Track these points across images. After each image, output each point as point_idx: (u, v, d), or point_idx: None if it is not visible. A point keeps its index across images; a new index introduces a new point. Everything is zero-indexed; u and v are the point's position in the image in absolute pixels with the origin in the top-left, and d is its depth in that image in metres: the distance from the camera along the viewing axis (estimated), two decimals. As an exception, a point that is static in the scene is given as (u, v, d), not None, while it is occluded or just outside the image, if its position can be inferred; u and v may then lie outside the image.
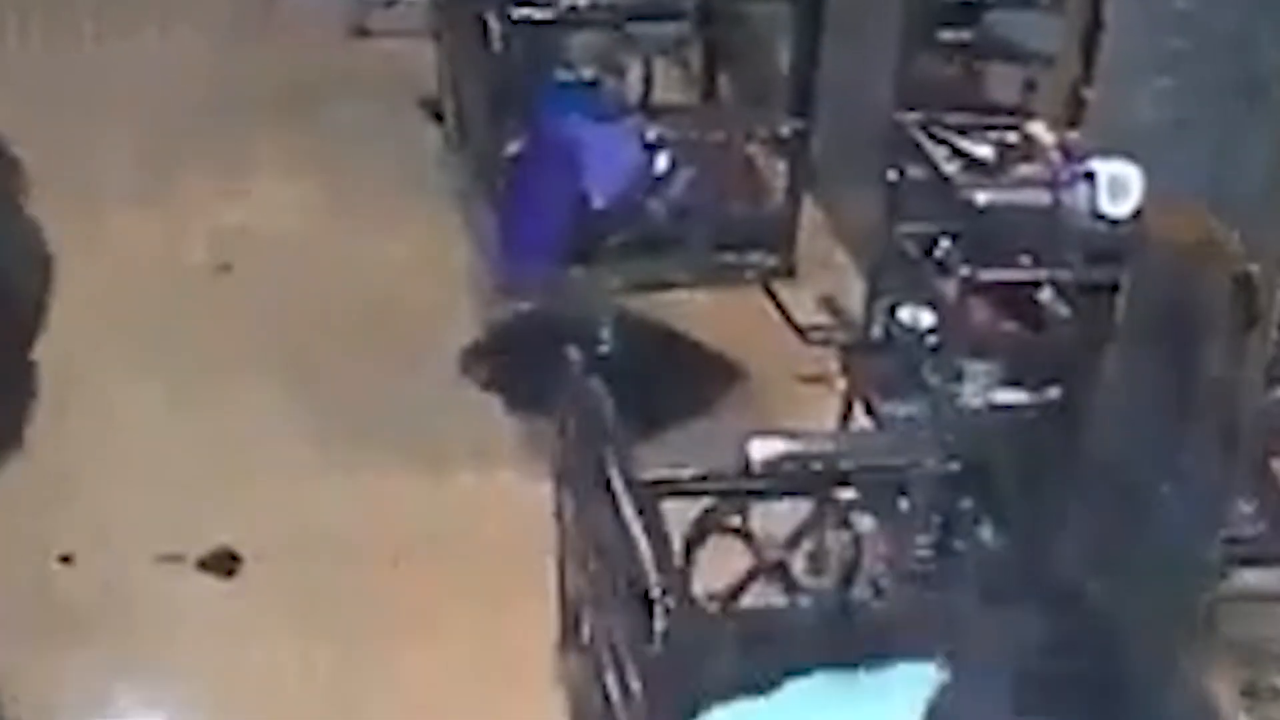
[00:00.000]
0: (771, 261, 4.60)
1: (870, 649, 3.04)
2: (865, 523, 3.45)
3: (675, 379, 4.80)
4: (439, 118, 5.55)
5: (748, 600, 3.43)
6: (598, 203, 4.32)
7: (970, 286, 3.32)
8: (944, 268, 3.42)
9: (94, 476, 4.40)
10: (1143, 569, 3.32)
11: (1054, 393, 3.42)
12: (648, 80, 4.74)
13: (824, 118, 4.54)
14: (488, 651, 3.91)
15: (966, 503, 3.45)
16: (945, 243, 3.45)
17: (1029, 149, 3.31)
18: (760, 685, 2.68)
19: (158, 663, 3.96)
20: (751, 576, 3.40)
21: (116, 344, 4.89)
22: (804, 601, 3.42)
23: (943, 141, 3.48)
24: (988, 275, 3.32)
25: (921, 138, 3.52)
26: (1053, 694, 2.12)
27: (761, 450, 3.34)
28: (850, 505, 3.43)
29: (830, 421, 4.04)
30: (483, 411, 4.77)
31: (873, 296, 3.93)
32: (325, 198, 5.64)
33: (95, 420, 4.50)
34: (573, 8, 4.55)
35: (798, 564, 3.43)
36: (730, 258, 4.57)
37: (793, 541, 3.41)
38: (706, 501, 3.37)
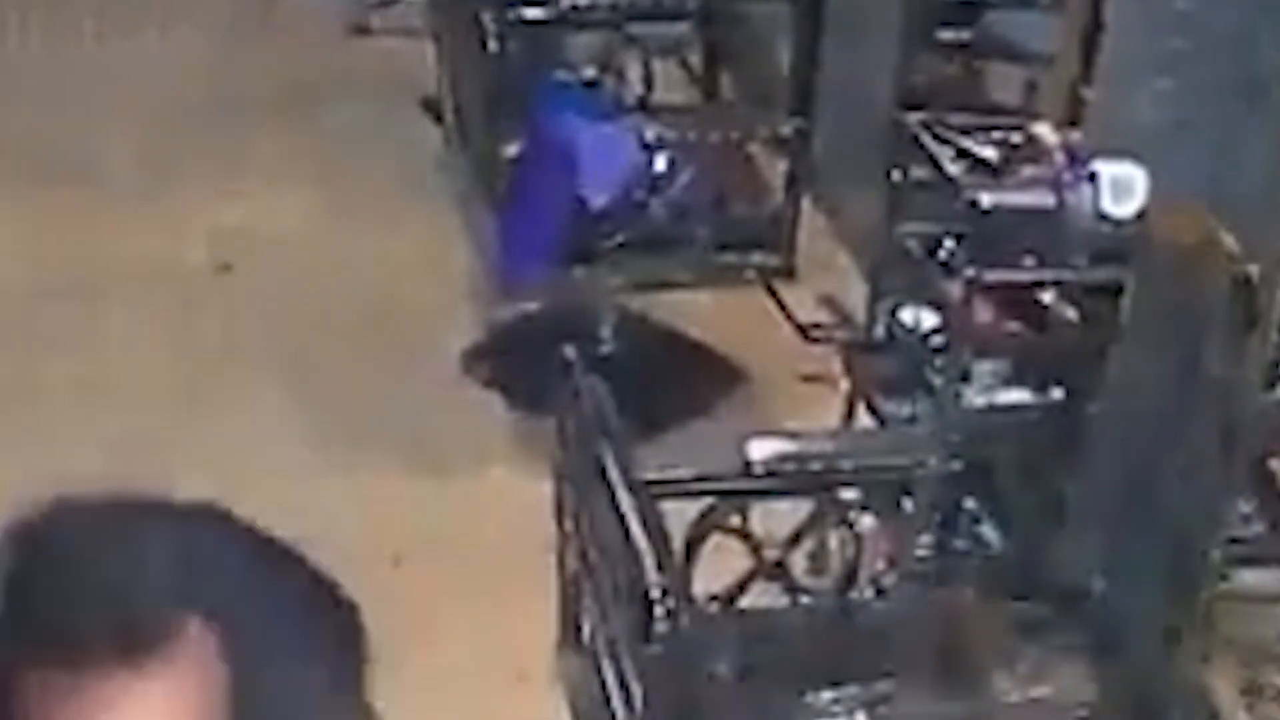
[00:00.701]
0: (772, 261, 4.60)
1: (870, 649, 3.05)
2: (866, 522, 3.44)
3: (676, 379, 4.79)
4: (439, 118, 5.54)
5: (748, 600, 3.43)
6: (598, 203, 4.31)
7: (975, 287, 3.32)
8: (948, 268, 3.41)
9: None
10: (1144, 568, 3.32)
11: (1057, 393, 3.42)
12: (648, 80, 4.74)
13: (825, 117, 4.53)
14: (488, 651, 3.91)
15: (968, 502, 3.44)
16: (949, 243, 3.45)
17: (1033, 150, 3.30)
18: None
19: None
20: (752, 577, 3.40)
21: (117, 344, 4.88)
22: (804, 601, 3.41)
23: (946, 142, 3.47)
24: (992, 276, 3.31)
25: (925, 137, 3.52)
26: None
27: (761, 450, 3.34)
28: (851, 505, 3.42)
29: (832, 421, 4.03)
30: (483, 412, 4.76)
31: (874, 296, 3.92)
32: (325, 198, 5.62)
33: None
34: (572, 7, 4.55)
35: (798, 564, 3.43)
36: (731, 258, 4.57)
37: (793, 541, 3.40)
38: (706, 501, 3.36)
